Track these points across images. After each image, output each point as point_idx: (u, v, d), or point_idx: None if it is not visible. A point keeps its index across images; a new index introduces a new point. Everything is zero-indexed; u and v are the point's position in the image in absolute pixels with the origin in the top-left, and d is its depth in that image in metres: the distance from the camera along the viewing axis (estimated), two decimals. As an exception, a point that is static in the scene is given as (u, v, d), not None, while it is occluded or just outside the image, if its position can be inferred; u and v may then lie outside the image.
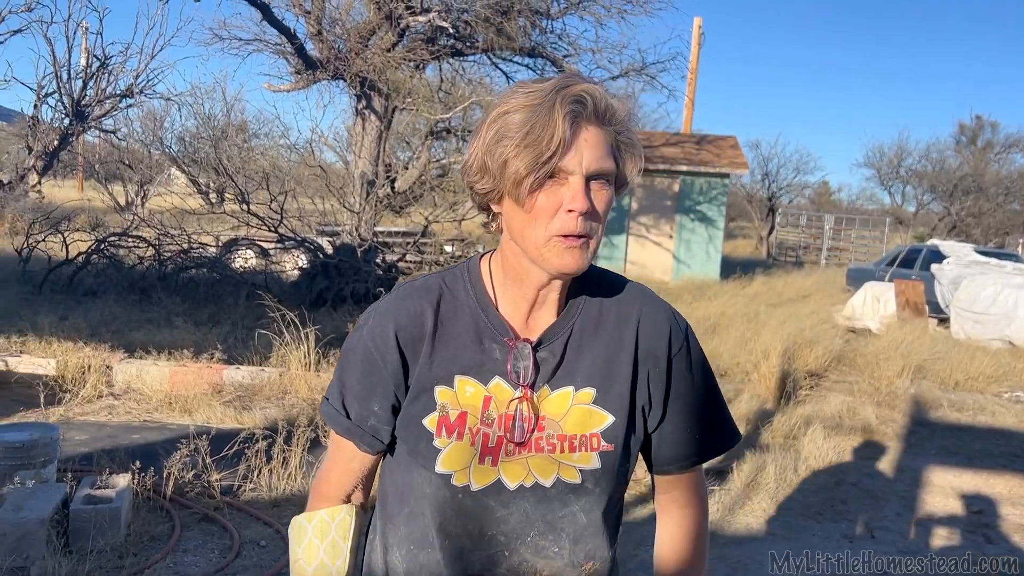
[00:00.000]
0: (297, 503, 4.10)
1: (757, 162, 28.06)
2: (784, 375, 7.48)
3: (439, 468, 1.12)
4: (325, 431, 4.64)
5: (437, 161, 15.63)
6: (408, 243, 12.29)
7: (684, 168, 16.88)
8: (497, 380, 1.13)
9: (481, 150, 1.07)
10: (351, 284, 9.38)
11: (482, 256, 1.21)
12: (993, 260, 13.56)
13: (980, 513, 4.88)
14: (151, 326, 7.70)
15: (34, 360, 6.07)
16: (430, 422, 1.13)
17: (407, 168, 15.49)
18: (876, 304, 12.10)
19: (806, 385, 7.61)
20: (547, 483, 1.12)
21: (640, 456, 1.25)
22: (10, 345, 6.34)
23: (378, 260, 10.13)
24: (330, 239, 10.64)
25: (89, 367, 5.99)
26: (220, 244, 10.23)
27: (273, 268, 10.11)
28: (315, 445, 4.66)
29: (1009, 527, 4.65)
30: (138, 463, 3.96)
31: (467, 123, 14.27)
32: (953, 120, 56.39)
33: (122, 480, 3.87)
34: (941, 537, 4.49)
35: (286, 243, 10.15)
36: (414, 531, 1.16)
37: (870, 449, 6.05)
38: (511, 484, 1.12)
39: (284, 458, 4.37)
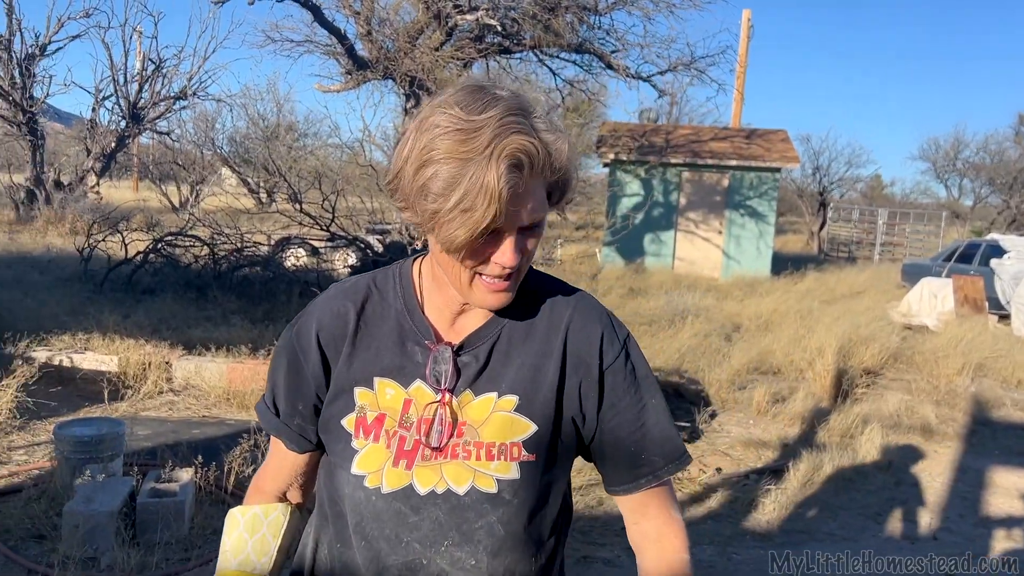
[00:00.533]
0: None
1: (808, 156, 27.57)
2: (840, 373, 7.35)
3: (354, 469, 1.10)
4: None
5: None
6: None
7: (734, 163, 16.66)
8: (418, 383, 1.10)
9: (406, 181, 0.98)
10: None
11: (415, 258, 1.18)
12: (1057, 254, 13.14)
13: (1047, 515, 4.74)
14: (208, 323, 7.87)
15: (98, 357, 6.24)
16: (348, 423, 1.11)
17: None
18: (933, 300, 11.81)
19: (862, 383, 7.46)
20: (460, 491, 1.08)
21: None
22: (75, 342, 6.54)
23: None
24: (379, 237, 10.75)
25: (150, 364, 6.14)
26: (272, 243, 10.40)
27: (324, 267, 10.25)
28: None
29: (1078, 530, 4.51)
30: (200, 458, 4.06)
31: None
32: (1012, 111, 54.63)
33: (185, 474, 3.96)
34: (1006, 540, 4.38)
35: (336, 242, 10.28)
36: (339, 530, 1.14)
37: (931, 448, 5.91)
38: (422, 489, 1.08)
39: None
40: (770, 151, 17.16)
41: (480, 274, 1.02)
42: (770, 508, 4.59)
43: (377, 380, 1.11)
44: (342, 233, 10.15)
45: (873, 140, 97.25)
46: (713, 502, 4.69)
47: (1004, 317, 11.95)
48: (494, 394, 1.10)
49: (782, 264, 17.09)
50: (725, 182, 16.91)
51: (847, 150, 37.44)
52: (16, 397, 4.96)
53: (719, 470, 5.21)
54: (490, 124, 0.94)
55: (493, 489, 1.08)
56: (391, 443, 1.09)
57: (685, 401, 6.74)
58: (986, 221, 30.16)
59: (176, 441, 4.79)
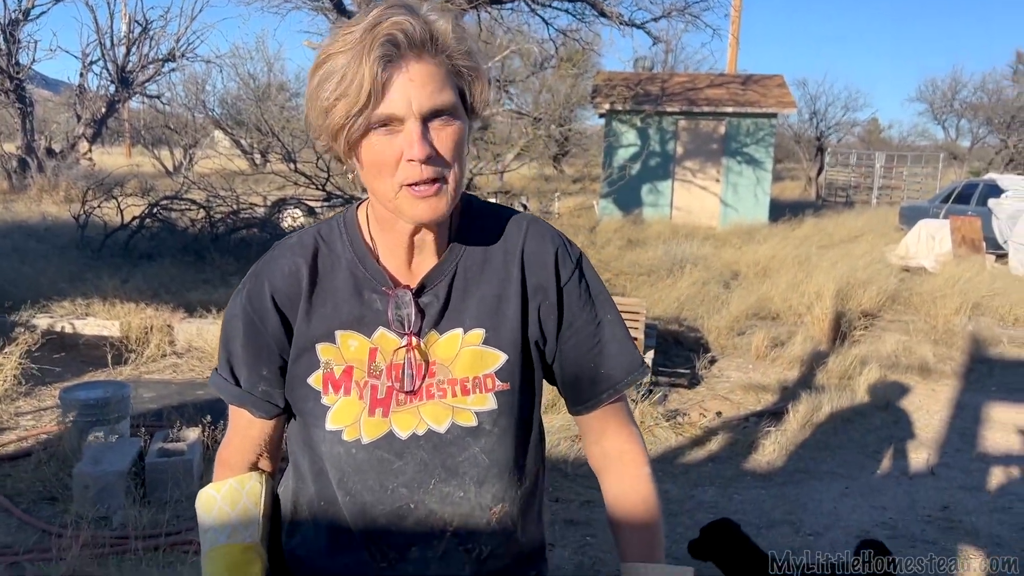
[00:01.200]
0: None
1: (804, 101, 27.34)
2: (838, 316, 7.39)
3: (329, 426, 1.08)
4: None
5: (478, 113, 15.53)
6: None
7: (730, 109, 16.51)
8: (381, 331, 1.08)
9: (310, 107, 1.00)
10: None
11: (359, 205, 1.16)
12: (1054, 192, 13.11)
13: (1043, 448, 4.81)
14: (207, 286, 7.88)
15: (99, 322, 6.27)
16: (315, 380, 1.09)
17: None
18: (931, 242, 11.81)
19: (860, 326, 7.51)
20: (441, 429, 1.08)
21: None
22: (76, 308, 6.56)
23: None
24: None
25: (151, 328, 6.17)
26: (268, 204, 10.37)
27: (321, 226, 10.21)
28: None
29: (1073, 462, 4.58)
30: (208, 417, 4.10)
31: (507, 73, 14.13)
32: (1010, 49, 54.00)
33: (192, 434, 4.01)
34: (1002, 474, 4.45)
35: (333, 201, 10.25)
36: (322, 488, 1.13)
37: (928, 387, 5.98)
38: (403, 434, 1.08)
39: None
40: (766, 96, 17.00)
41: (404, 185, 0.99)
42: (770, 449, 4.65)
43: (339, 333, 1.09)
44: (338, 192, 10.12)
45: (870, 83, 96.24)
46: (714, 445, 4.76)
47: (1001, 256, 11.97)
48: (459, 330, 1.10)
49: (780, 211, 17.05)
50: (722, 129, 16.78)
51: (844, 94, 37.30)
52: (20, 364, 5.00)
53: (719, 414, 5.27)
54: (367, 16, 0.96)
55: (473, 422, 1.09)
56: (363, 394, 1.08)
57: (684, 348, 6.79)
58: (984, 162, 30.02)
59: (181, 402, 4.84)
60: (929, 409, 5.49)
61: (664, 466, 4.41)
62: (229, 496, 1.18)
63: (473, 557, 1.10)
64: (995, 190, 13.53)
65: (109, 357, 5.65)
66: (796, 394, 5.45)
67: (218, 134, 22.95)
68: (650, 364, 5.72)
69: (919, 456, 4.67)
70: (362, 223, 1.13)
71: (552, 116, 16.90)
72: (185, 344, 6.20)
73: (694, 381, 5.95)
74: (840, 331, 7.16)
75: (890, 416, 5.30)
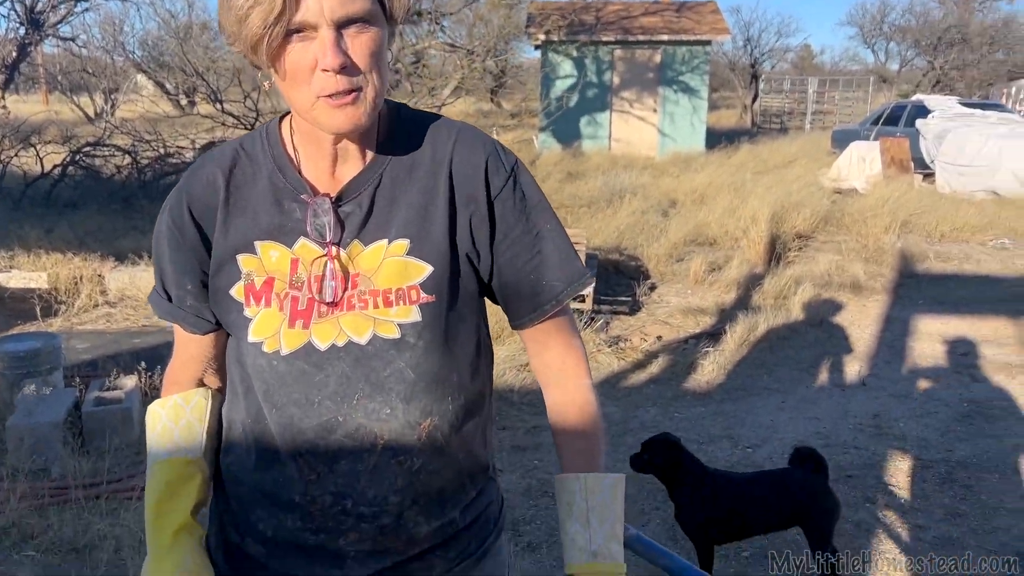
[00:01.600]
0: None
1: (738, 28, 27.38)
2: (773, 239, 7.54)
3: (251, 338, 1.06)
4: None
5: (412, 46, 15.17)
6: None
7: (665, 37, 16.43)
8: (302, 241, 1.05)
9: (220, 9, 0.97)
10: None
11: (282, 117, 1.12)
12: (977, 112, 13.46)
13: (966, 355, 5.03)
14: (137, 233, 7.65)
15: (24, 275, 6.05)
16: (237, 292, 1.07)
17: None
18: (862, 164, 12.07)
19: (795, 247, 7.69)
20: (362, 341, 1.05)
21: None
22: (-2, 261, 6.32)
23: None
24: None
25: (81, 278, 5.99)
26: (197, 148, 10.03)
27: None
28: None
29: (992, 367, 4.80)
30: (143, 364, 4.02)
31: (439, 4, 13.79)
32: (937, -30, 54.53)
33: (130, 381, 3.93)
34: (929, 381, 4.65)
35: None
36: (251, 404, 1.11)
37: (860, 303, 6.17)
38: (322, 345, 1.05)
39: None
40: (700, 24, 16.95)
41: (320, 96, 0.96)
42: (709, 369, 4.77)
43: (258, 244, 1.06)
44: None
45: (802, 8, 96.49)
46: (655, 368, 4.86)
47: (929, 175, 12.30)
48: (384, 241, 1.06)
49: (716, 139, 17.19)
50: (657, 58, 16.72)
51: (776, 20, 37.58)
52: (-58, 320, 4.82)
53: (659, 338, 5.37)
54: None
55: (395, 335, 1.06)
56: (283, 305, 1.06)
57: (625, 277, 6.87)
58: (912, 84, 30.59)
59: (117, 352, 4.73)
60: (861, 324, 5.68)
61: (607, 390, 4.49)
62: (173, 412, 1.16)
63: (405, 468, 1.08)
64: (922, 111, 13.82)
65: (38, 309, 5.47)
66: (733, 316, 5.58)
67: (141, 78, 22.00)
68: (591, 292, 5.77)
69: (851, 369, 4.84)
70: (285, 134, 1.10)
71: (487, 48, 16.60)
72: (118, 293, 6.03)
73: (635, 308, 6.03)
74: (775, 253, 7.32)
75: (824, 332, 5.47)
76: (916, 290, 6.59)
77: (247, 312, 1.07)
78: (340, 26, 0.94)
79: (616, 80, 16.85)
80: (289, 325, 1.06)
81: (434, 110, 15.95)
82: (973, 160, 11.38)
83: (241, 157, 1.09)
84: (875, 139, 13.01)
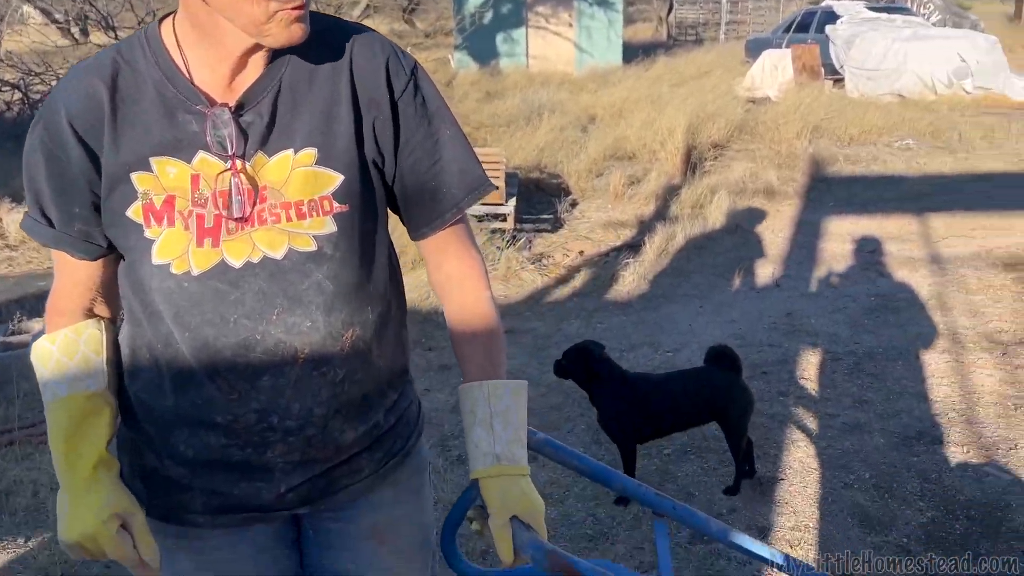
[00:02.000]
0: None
1: (651, -63, 26.95)
2: (689, 150, 7.62)
3: (156, 260, 1.01)
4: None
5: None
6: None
7: (577, -51, 16.12)
8: (202, 155, 1.00)
9: None
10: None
11: (161, 21, 1.05)
12: (884, 16, 13.70)
13: (873, 252, 5.23)
14: (35, 174, 7.26)
15: (-88, 221, 5.72)
16: (135, 213, 1.01)
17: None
18: (775, 72, 12.21)
19: (711, 157, 7.79)
20: (277, 255, 1.02)
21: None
22: None
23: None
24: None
25: (-24, 222, 5.68)
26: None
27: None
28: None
29: (896, 262, 5.01)
30: (49, 306, 3.87)
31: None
32: None
33: (37, 325, 3.79)
34: (839, 279, 4.83)
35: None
36: (157, 329, 1.06)
37: (773, 208, 6.33)
38: (236, 263, 1.02)
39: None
40: (613, -67, 16.64)
41: (282, 9, 0.94)
42: (629, 280, 4.85)
43: (154, 160, 1.00)
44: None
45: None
46: (577, 282, 4.92)
47: (839, 81, 12.54)
48: (290, 151, 1.02)
49: (633, 53, 17.09)
50: (570, -29, 16.42)
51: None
52: None
53: (581, 253, 5.43)
54: None
55: (312, 247, 1.03)
56: (188, 224, 1.01)
57: (546, 194, 6.87)
58: (823, -9, 30.83)
59: (22, 296, 4.54)
60: (774, 228, 5.83)
61: (532, 306, 4.54)
62: (65, 346, 1.09)
63: (328, 380, 1.07)
64: (832, 16, 13.99)
65: (-69, 257, 5.19)
66: (652, 227, 5.66)
67: (27, 8, 20.54)
68: (512, 212, 5.76)
69: (766, 272, 4.99)
70: (167, 40, 1.02)
71: (396, -34, 16.00)
72: (18, 236, 5.75)
73: (557, 225, 6.06)
74: (692, 164, 7.41)
75: (739, 238, 5.60)
76: (827, 193, 6.79)
77: (148, 233, 1.01)
78: None
79: (530, -5, 16.51)
80: (197, 244, 1.01)
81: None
82: (880, 64, 11.63)
83: (122, 67, 1.01)
84: (787, 47, 13.15)
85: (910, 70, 11.32)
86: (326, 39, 1.06)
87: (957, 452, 2.90)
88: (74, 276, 1.10)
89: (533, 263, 5.14)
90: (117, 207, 1.01)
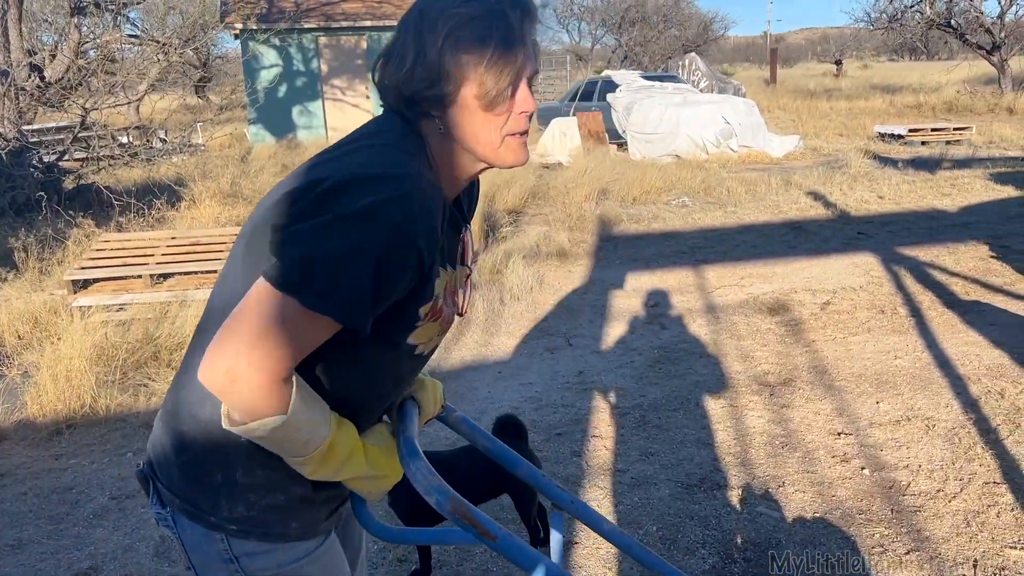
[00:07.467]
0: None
1: (443, 12, 27.87)
2: (486, 216, 7.83)
3: (410, 340, 1.20)
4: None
5: (93, 40, 13.78)
6: (68, 139, 10.85)
7: (368, 23, 16.40)
8: (458, 267, 1.27)
9: (435, 56, 1.10)
10: (6, 193, 8.25)
11: (411, 147, 1.16)
12: (657, 84, 14.89)
13: (656, 306, 5.56)
14: None
15: None
16: (424, 310, 1.18)
17: (55, 56, 13.51)
18: (563, 138, 12.90)
19: (506, 222, 8.03)
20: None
21: None
22: None
23: (35, 162, 8.93)
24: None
25: None
26: None
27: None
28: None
29: (677, 313, 5.36)
30: None
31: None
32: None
33: None
34: (626, 333, 5.08)
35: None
36: (370, 387, 1.24)
37: (566, 269, 6.60)
38: (424, 350, 1.27)
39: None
40: (402, 8, 17.07)
41: (508, 135, 1.14)
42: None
43: (440, 269, 1.19)
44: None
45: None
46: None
47: (623, 145, 13.43)
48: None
49: (431, 122, 17.48)
50: (364, 44, 16.66)
51: (479, 3, 38.63)
52: None
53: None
54: None
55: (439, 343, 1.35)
56: (441, 320, 1.24)
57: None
58: (605, 60, 33.20)
59: None
60: (566, 288, 6.07)
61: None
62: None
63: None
64: (611, 85, 15.03)
65: None
66: (451, 295, 5.71)
67: None
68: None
69: (559, 331, 5.16)
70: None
71: (183, 39, 15.51)
72: None
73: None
74: (488, 230, 7.60)
75: (534, 300, 5.78)
76: (614, 251, 7.18)
77: (418, 324, 1.20)
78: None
79: (324, 68, 16.58)
80: (439, 335, 1.26)
81: (132, 107, 14.67)
82: (657, 128, 12.59)
83: (437, 193, 1.13)
84: (573, 114, 13.95)
85: (683, 133, 12.33)
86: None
87: (734, 495, 3.08)
88: (314, 342, 1.16)
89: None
90: (413, 303, 1.22)
